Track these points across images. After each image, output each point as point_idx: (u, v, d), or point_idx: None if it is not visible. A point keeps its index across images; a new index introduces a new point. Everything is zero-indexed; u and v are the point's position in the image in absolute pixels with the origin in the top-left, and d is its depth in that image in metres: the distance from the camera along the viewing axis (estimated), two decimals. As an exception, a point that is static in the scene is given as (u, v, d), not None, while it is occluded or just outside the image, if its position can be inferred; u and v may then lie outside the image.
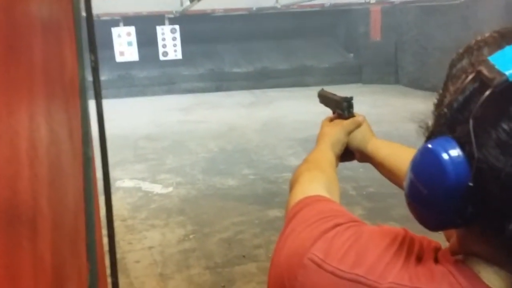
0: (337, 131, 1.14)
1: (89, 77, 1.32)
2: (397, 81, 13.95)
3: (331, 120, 1.21)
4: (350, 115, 1.17)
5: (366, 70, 14.31)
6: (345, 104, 1.18)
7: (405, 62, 13.65)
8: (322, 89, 1.34)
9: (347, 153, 1.16)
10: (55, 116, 1.17)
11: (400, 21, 13.49)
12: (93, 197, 1.12)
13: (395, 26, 13.73)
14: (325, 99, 1.29)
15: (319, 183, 0.88)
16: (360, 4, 8.54)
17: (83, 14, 1.31)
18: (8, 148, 0.92)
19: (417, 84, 12.85)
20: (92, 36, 1.31)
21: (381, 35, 14.14)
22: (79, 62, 1.11)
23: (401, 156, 1.03)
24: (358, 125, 1.15)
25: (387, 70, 13.99)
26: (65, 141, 1.25)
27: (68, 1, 1.31)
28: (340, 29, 15.57)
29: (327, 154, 1.07)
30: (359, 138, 1.14)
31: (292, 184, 0.92)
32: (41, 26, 1.14)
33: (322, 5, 9.20)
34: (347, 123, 1.15)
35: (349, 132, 1.14)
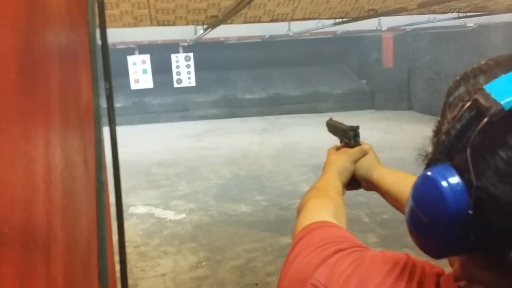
0: (344, 159, 1.15)
1: (104, 104, 1.36)
2: (410, 107, 13.93)
3: (338, 148, 1.23)
4: (357, 143, 1.19)
5: (379, 97, 14.33)
6: (351, 133, 1.20)
7: (418, 88, 13.65)
8: (331, 119, 1.36)
9: (354, 182, 1.18)
10: (70, 143, 1.20)
11: (412, 47, 13.55)
12: (106, 222, 1.14)
13: (407, 53, 13.78)
14: (333, 128, 1.31)
15: (326, 209, 0.89)
16: (372, 31, 8.59)
17: (99, 42, 1.35)
18: (25, 173, 0.94)
19: (430, 110, 12.80)
20: (107, 65, 1.35)
21: (393, 61, 14.19)
22: (93, 90, 1.14)
23: (405, 184, 1.04)
24: (364, 154, 1.17)
25: (400, 96, 13.99)
26: (79, 167, 1.28)
27: (84, 30, 1.35)
28: (353, 55, 15.67)
29: (334, 182, 1.09)
30: (365, 166, 1.16)
31: (300, 210, 0.94)
32: (58, 55, 1.18)
33: (334, 33, 9.28)
34: (354, 152, 1.17)
35: (356, 160, 1.16)
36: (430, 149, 0.58)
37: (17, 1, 0.98)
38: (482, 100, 0.50)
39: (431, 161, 0.56)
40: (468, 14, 5.52)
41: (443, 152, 0.54)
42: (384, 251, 0.68)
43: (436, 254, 0.56)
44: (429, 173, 0.53)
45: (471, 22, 8.70)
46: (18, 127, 0.93)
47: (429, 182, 0.53)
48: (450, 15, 5.55)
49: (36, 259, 0.97)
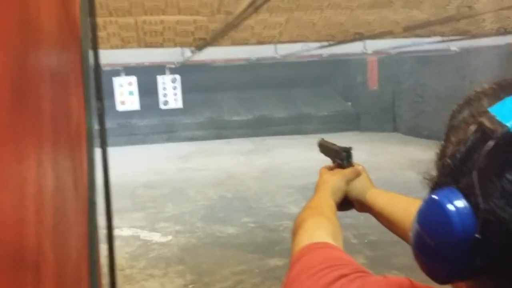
0: (338, 179, 1.15)
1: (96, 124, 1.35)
2: (395, 129, 14.09)
3: (330, 169, 1.23)
4: (349, 164, 1.20)
5: (364, 118, 14.48)
6: (344, 154, 1.21)
7: (402, 110, 13.83)
8: (322, 139, 1.37)
9: (346, 203, 1.18)
10: (61, 164, 1.19)
11: (396, 71, 13.77)
12: (97, 244, 1.13)
13: (391, 76, 13.99)
14: (325, 149, 1.32)
15: (324, 229, 0.88)
16: (357, 54, 8.72)
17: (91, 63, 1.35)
18: (16, 194, 0.93)
19: (414, 132, 12.97)
20: (99, 85, 1.35)
21: (378, 84, 14.38)
22: (86, 110, 1.13)
23: (398, 206, 1.04)
24: (358, 175, 1.17)
25: (384, 118, 14.16)
26: (70, 188, 1.27)
27: (76, 51, 1.35)
28: (338, 78, 15.85)
29: (328, 201, 1.08)
30: (358, 187, 1.16)
31: (296, 230, 0.92)
32: (50, 75, 1.18)
33: (320, 55, 9.40)
34: (348, 172, 1.17)
35: (349, 181, 1.16)
36: (434, 172, 0.57)
37: (10, 20, 0.98)
38: (487, 123, 0.49)
39: (436, 185, 0.55)
40: (451, 38, 5.64)
41: (449, 175, 0.53)
42: (387, 276, 0.66)
43: (442, 279, 0.54)
44: (435, 197, 0.53)
45: (454, 46, 8.88)
46: (10, 147, 0.93)
47: (435, 205, 0.52)
48: (433, 38, 5.67)
49: (26, 280, 0.95)
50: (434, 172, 0.57)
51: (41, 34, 1.13)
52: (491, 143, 0.48)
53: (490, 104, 0.52)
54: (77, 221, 1.26)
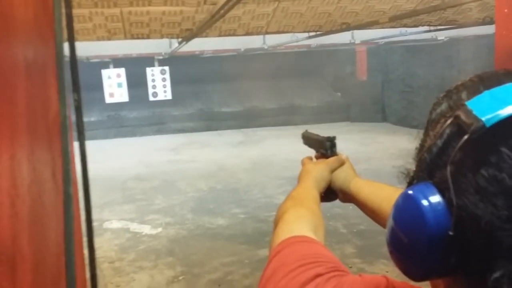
0: (321, 168, 1.14)
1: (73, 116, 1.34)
2: (384, 119, 14.13)
3: (313, 159, 1.22)
4: (333, 154, 1.19)
5: (353, 109, 14.51)
6: (328, 143, 1.19)
7: (392, 100, 13.87)
8: (306, 131, 1.35)
9: (330, 193, 1.16)
10: (38, 155, 1.17)
11: (385, 60, 13.79)
12: (73, 235, 1.12)
13: (380, 66, 14.02)
14: (308, 140, 1.30)
15: (305, 221, 0.86)
16: (346, 44, 8.72)
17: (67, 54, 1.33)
18: (-12, 187, 0.91)
19: (404, 122, 13.02)
20: (75, 76, 1.33)
21: (367, 74, 14.41)
22: (60, 101, 1.12)
23: (382, 195, 1.03)
24: (342, 163, 1.16)
25: (374, 109, 14.19)
26: (48, 180, 1.25)
27: (54, 43, 1.33)
28: (327, 69, 15.85)
29: (311, 191, 1.06)
30: (342, 177, 1.14)
31: (277, 221, 0.90)
32: (25, 66, 1.16)
33: (309, 46, 9.38)
34: (331, 161, 1.15)
35: (333, 170, 1.14)
36: (412, 166, 0.56)
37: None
38: (463, 116, 0.48)
39: (413, 179, 0.54)
40: (438, 27, 5.65)
41: (425, 169, 0.52)
42: (363, 275, 0.65)
43: (417, 277, 0.53)
44: (409, 192, 0.51)
45: (442, 35, 8.90)
46: (-18, 139, 0.91)
47: (409, 201, 0.51)
48: (421, 28, 5.67)
49: (1, 275, 0.94)
50: (412, 167, 0.56)
51: (14, 24, 1.11)
52: (466, 138, 0.47)
53: (469, 98, 0.51)
54: (56, 213, 1.24)
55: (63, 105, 1.10)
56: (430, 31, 5.96)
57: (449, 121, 0.50)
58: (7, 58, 1.04)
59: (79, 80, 1.33)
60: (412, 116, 12.61)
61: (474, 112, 0.47)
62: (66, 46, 1.30)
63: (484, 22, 5.11)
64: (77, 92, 1.31)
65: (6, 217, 0.97)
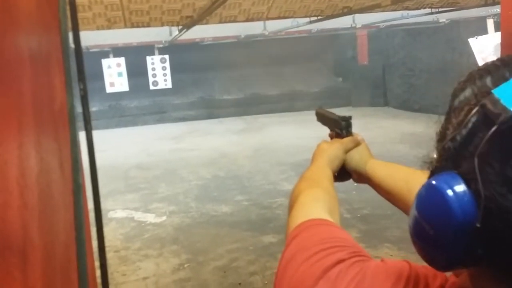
0: (336, 147, 1.12)
1: (78, 105, 1.33)
2: (386, 104, 14.09)
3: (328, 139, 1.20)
4: (349, 134, 1.17)
5: (355, 94, 14.46)
6: (343, 123, 1.17)
7: (393, 84, 13.82)
8: (320, 107, 1.32)
9: (343, 173, 1.15)
10: (45, 145, 1.17)
11: (386, 44, 13.71)
12: (84, 224, 1.12)
13: (382, 50, 13.94)
14: (322, 117, 1.26)
15: (321, 203, 0.86)
16: (347, 29, 8.66)
17: (72, 44, 1.32)
18: (-3, 177, 0.91)
19: (406, 105, 12.99)
20: (80, 65, 1.32)
21: (368, 58, 14.33)
22: (67, 91, 1.11)
23: (397, 177, 1.03)
24: (357, 144, 1.15)
25: (376, 93, 14.15)
26: (56, 170, 1.25)
27: (57, 31, 1.32)
28: (328, 54, 15.77)
29: (325, 171, 1.05)
30: (357, 158, 1.13)
31: (292, 203, 0.89)
32: (30, 56, 1.15)
33: (309, 31, 9.32)
34: (346, 141, 1.14)
35: (348, 150, 1.13)
36: (434, 155, 0.55)
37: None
38: (490, 106, 0.47)
39: (436, 169, 0.53)
40: (440, 9, 5.60)
41: (449, 159, 0.51)
42: (385, 260, 0.64)
43: (442, 267, 0.53)
44: (433, 182, 0.50)
45: (443, 18, 8.82)
46: (-10, 130, 0.91)
47: (433, 191, 0.50)
48: (422, 11, 5.62)
49: (13, 265, 0.94)
50: (433, 155, 0.55)
51: (18, 14, 1.10)
52: (494, 129, 0.46)
53: (494, 84, 0.49)
54: (64, 203, 1.24)
55: (70, 94, 1.10)
56: (432, 13, 5.91)
57: (475, 110, 0.48)
58: (12, 49, 1.03)
59: (84, 69, 1.33)
60: (413, 100, 12.58)
61: (502, 102, 0.46)
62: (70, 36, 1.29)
63: (486, 4, 5.07)
64: (83, 81, 1.30)
65: (16, 208, 0.97)
